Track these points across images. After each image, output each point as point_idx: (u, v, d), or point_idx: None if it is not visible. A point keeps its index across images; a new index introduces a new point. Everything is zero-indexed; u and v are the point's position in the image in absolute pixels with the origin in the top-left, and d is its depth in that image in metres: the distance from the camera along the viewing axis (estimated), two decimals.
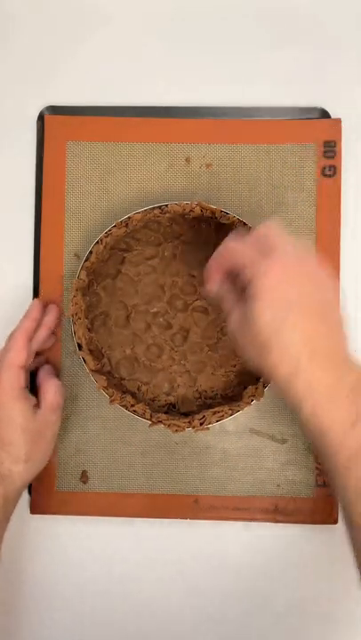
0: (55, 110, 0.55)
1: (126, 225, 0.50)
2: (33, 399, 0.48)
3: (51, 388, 0.49)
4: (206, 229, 0.52)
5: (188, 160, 0.54)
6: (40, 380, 0.50)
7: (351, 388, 0.37)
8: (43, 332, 0.50)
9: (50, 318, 0.51)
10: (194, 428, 0.49)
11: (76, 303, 0.49)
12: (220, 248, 0.42)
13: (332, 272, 0.41)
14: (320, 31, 0.55)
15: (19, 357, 0.47)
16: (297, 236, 0.53)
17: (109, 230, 0.50)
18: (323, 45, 0.55)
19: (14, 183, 0.55)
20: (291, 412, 0.40)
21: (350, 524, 0.38)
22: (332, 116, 0.54)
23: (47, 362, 0.53)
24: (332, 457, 0.38)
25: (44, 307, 0.51)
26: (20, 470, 0.46)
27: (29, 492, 0.53)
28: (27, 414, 0.47)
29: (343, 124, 0.54)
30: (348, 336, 0.40)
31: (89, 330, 0.52)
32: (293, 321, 0.37)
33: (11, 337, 0.49)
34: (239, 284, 0.41)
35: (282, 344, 0.37)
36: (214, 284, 0.44)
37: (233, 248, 0.41)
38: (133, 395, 0.52)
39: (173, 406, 0.52)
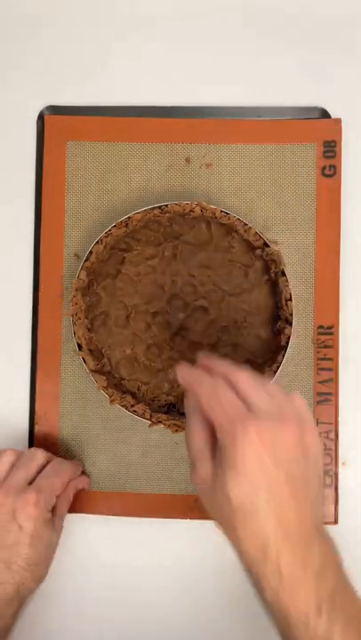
0: (55, 110, 0.55)
1: (126, 225, 0.50)
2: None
3: (66, 506, 0.50)
4: (206, 229, 0.52)
5: (188, 160, 0.54)
6: (66, 491, 0.50)
7: (317, 573, 0.35)
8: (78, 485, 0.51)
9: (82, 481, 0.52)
10: None
11: (76, 303, 0.49)
12: (195, 376, 0.39)
13: (318, 443, 0.38)
14: (320, 31, 0.55)
15: (59, 487, 0.48)
16: (297, 236, 0.53)
17: (109, 230, 0.50)
18: (323, 45, 0.55)
19: (14, 183, 0.55)
20: (253, 588, 0.38)
21: None
22: (333, 115, 0.54)
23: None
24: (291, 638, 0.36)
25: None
26: (34, 589, 0.47)
27: None
28: (52, 539, 0.48)
29: (343, 124, 0.54)
30: (322, 502, 0.38)
31: (89, 330, 0.52)
32: (267, 504, 0.35)
33: (58, 467, 0.49)
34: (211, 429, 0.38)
35: (252, 524, 0.35)
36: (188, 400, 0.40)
37: (209, 388, 0.37)
38: (133, 395, 0.52)
39: (173, 406, 0.52)
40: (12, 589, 0.44)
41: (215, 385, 0.38)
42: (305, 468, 0.36)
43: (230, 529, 0.36)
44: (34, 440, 0.53)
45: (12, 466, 0.48)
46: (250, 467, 0.35)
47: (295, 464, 0.36)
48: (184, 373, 0.39)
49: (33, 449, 0.50)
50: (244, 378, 0.38)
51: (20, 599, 0.46)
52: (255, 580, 0.37)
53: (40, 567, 0.46)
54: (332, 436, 0.52)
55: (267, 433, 0.35)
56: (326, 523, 0.52)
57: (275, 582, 0.35)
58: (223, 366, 0.39)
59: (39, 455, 0.49)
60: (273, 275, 0.51)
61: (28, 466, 0.48)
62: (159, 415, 0.49)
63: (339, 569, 0.36)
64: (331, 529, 0.52)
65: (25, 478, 0.47)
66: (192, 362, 0.52)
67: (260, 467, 0.35)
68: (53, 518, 0.48)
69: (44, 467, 0.49)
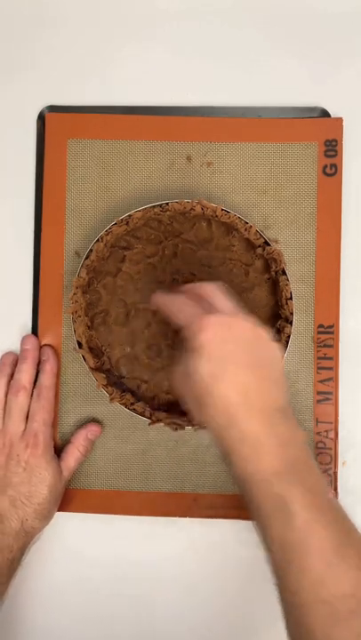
0: (55, 110, 0.55)
1: (127, 223, 0.50)
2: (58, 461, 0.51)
3: (74, 456, 0.52)
4: (207, 228, 0.52)
5: (189, 158, 0.54)
6: (74, 442, 0.52)
7: (280, 444, 0.38)
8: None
9: (50, 365, 0.53)
10: (193, 426, 0.49)
11: (76, 301, 0.49)
12: (167, 297, 0.44)
13: (272, 338, 0.42)
14: (320, 30, 0.55)
15: (52, 417, 0.51)
16: (297, 235, 0.53)
17: (110, 228, 0.50)
18: (323, 45, 0.55)
19: (15, 182, 0.55)
20: (222, 460, 0.41)
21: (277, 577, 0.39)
22: (332, 115, 0.54)
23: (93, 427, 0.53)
24: (255, 508, 0.38)
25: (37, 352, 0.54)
26: (40, 527, 0.50)
27: None
28: (57, 475, 0.50)
29: (344, 123, 0.54)
30: (285, 388, 0.41)
31: (89, 328, 0.52)
32: (229, 375, 0.39)
33: (41, 395, 0.51)
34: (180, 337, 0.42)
35: (217, 397, 0.38)
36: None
37: (178, 301, 0.43)
38: (133, 393, 0.52)
39: (173, 404, 0.52)
40: (16, 524, 0.48)
41: (181, 300, 0.43)
42: (263, 349, 0.41)
43: (200, 407, 0.39)
44: None
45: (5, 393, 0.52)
46: (211, 345, 0.39)
47: (253, 344, 0.40)
48: (157, 298, 0.45)
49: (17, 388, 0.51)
50: (207, 288, 0.43)
51: (26, 534, 0.49)
52: (224, 451, 0.39)
53: (42, 506, 0.49)
54: (331, 435, 0.52)
55: (224, 320, 0.40)
56: None
57: (239, 447, 0.38)
58: (190, 285, 0.45)
59: (21, 398, 0.51)
60: (273, 273, 0.51)
61: (14, 411, 0.51)
62: (159, 413, 0.49)
63: (302, 446, 0.39)
64: None
65: (23, 409, 0.51)
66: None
67: (220, 344, 0.39)
68: (60, 463, 0.51)
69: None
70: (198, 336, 0.39)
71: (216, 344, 0.39)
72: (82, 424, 0.53)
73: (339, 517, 0.38)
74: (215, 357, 0.39)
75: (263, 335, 0.41)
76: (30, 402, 0.51)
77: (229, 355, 0.39)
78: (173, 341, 0.52)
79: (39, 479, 0.49)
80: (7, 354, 0.53)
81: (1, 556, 0.47)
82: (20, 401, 0.50)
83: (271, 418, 0.39)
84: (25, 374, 0.51)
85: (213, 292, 0.43)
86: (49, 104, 0.55)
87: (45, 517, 0.50)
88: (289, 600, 0.37)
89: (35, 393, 0.51)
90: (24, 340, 0.53)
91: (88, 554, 0.53)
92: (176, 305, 0.43)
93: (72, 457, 0.52)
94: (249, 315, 0.42)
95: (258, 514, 0.38)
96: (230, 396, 0.38)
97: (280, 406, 0.39)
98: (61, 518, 0.53)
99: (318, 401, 0.52)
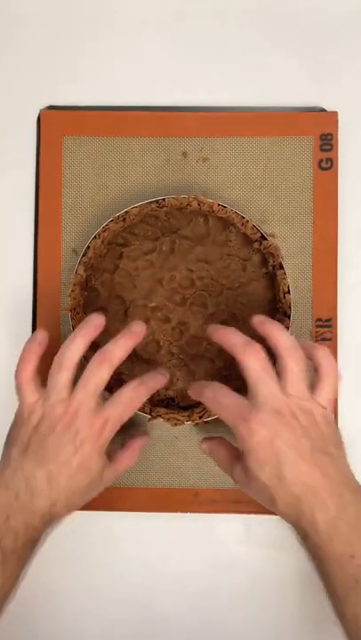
0: (55, 109, 0.55)
1: (124, 220, 0.50)
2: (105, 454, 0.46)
3: (127, 463, 0.48)
4: (204, 223, 0.52)
5: (184, 154, 0.54)
6: (130, 448, 0.48)
7: (352, 526, 0.40)
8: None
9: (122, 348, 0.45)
10: (193, 421, 0.49)
11: (74, 298, 0.49)
12: (205, 390, 0.44)
13: (330, 406, 0.43)
14: (318, 29, 0.55)
15: (127, 418, 0.45)
16: (294, 229, 0.53)
17: (107, 225, 0.50)
18: (320, 43, 0.55)
19: (14, 182, 0.55)
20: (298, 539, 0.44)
21: None
22: (328, 110, 0.54)
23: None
24: (330, 586, 0.41)
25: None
26: (63, 518, 0.46)
27: None
28: (100, 474, 0.45)
29: (340, 117, 0.54)
30: (346, 462, 0.43)
31: None
32: (290, 473, 0.40)
33: (136, 389, 0.45)
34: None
35: (284, 497, 0.40)
36: (207, 447, 0.48)
37: (215, 395, 0.43)
38: None
39: (173, 400, 0.52)
40: (45, 505, 0.42)
41: (214, 389, 0.43)
42: (316, 437, 0.41)
43: (272, 505, 0.42)
44: None
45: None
46: (262, 449, 0.40)
47: (305, 429, 0.41)
48: (196, 389, 0.45)
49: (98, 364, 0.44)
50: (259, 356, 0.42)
51: (51, 519, 0.44)
52: (298, 534, 0.42)
53: (75, 497, 0.43)
54: None
55: (268, 423, 0.40)
56: None
57: (312, 534, 0.40)
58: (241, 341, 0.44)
59: (104, 374, 0.44)
60: (271, 268, 0.51)
61: (91, 383, 0.44)
62: (158, 409, 0.50)
63: None
64: None
65: (91, 398, 0.44)
66: (191, 358, 0.52)
67: (270, 446, 0.40)
68: (108, 462, 0.45)
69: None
70: (247, 443, 0.41)
71: (267, 446, 0.40)
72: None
73: None
74: (271, 460, 0.40)
75: (317, 415, 0.42)
76: (112, 382, 0.46)
77: (284, 452, 0.40)
78: (172, 337, 0.52)
79: (86, 469, 0.43)
80: (98, 316, 0.45)
81: (24, 534, 0.42)
82: (101, 374, 0.43)
83: (341, 500, 0.40)
84: (120, 350, 0.44)
85: (257, 367, 0.42)
86: (49, 104, 0.55)
87: (72, 510, 0.45)
88: None
89: (131, 384, 0.45)
90: (135, 323, 0.46)
91: (88, 551, 0.53)
92: (217, 397, 0.43)
93: (124, 463, 0.47)
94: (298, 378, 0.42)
95: (332, 592, 0.41)
96: (295, 491, 0.40)
97: (347, 485, 0.41)
98: None
99: None
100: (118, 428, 0.44)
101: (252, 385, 0.42)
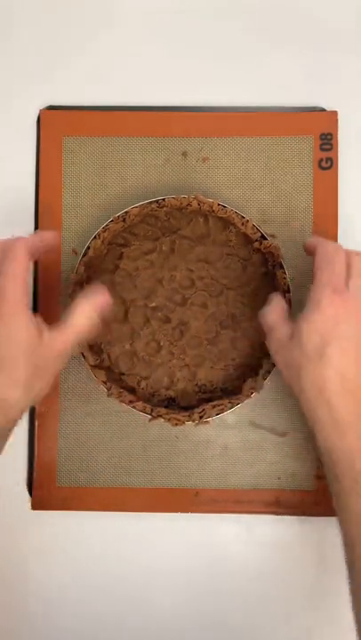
0: (55, 109, 0.55)
1: (124, 220, 0.50)
2: (37, 318, 0.42)
3: (81, 308, 0.43)
4: (204, 223, 0.52)
5: (184, 154, 0.54)
6: (85, 297, 0.44)
7: None
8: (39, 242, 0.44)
9: (49, 235, 0.45)
10: (194, 421, 0.49)
11: (74, 298, 0.49)
12: (320, 241, 0.44)
13: None
14: (318, 29, 0.55)
15: (22, 267, 0.41)
16: (294, 228, 0.53)
17: (107, 225, 0.50)
18: (320, 43, 0.55)
19: (14, 182, 0.55)
20: (309, 428, 0.43)
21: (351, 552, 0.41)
22: (328, 109, 0.54)
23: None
24: (336, 480, 0.41)
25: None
26: (18, 397, 0.40)
27: (30, 489, 0.53)
28: (31, 333, 0.40)
29: (340, 117, 0.54)
30: None
31: None
32: (334, 355, 0.40)
33: (10, 247, 0.41)
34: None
35: (316, 369, 0.40)
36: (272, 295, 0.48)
37: (326, 256, 0.43)
38: (133, 389, 0.52)
39: (173, 400, 0.52)
40: None
41: (337, 250, 0.43)
42: None
43: (297, 377, 0.41)
44: (34, 436, 0.53)
45: None
46: (327, 322, 0.40)
47: None
48: (311, 240, 0.45)
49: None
50: (356, 268, 0.42)
51: (5, 412, 0.40)
52: (310, 420, 0.42)
53: (17, 370, 0.40)
54: None
55: (351, 303, 0.40)
56: (328, 514, 0.52)
57: (325, 421, 0.40)
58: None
59: None
60: (271, 267, 0.51)
61: None
62: (159, 409, 0.49)
63: None
64: (332, 520, 0.53)
65: None
66: (192, 358, 0.52)
67: (336, 324, 0.40)
68: (45, 325, 0.42)
69: None
70: (318, 306, 0.41)
71: (331, 322, 0.40)
72: (82, 421, 0.53)
73: None
74: (326, 333, 0.40)
75: None
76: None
77: (341, 337, 0.40)
78: (173, 336, 0.52)
79: (10, 339, 0.39)
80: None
81: None
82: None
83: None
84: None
85: (343, 265, 0.42)
86: (49, 104, 0.55)
87: (26, 388, 0.40)
88: (359, 570, 0.39)
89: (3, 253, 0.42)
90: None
91: (89, 552, 0.53)
92: (329, 250, 0.43)
93: (75, 320, 0.42)
94: None
95: (338, 487, 0.41)
96: (326, 376, 0.40)
97: None
98: (62, 516, 0.53)
99: None
100: (23, 288, 0.41)
101: (355, 267, 0.42)
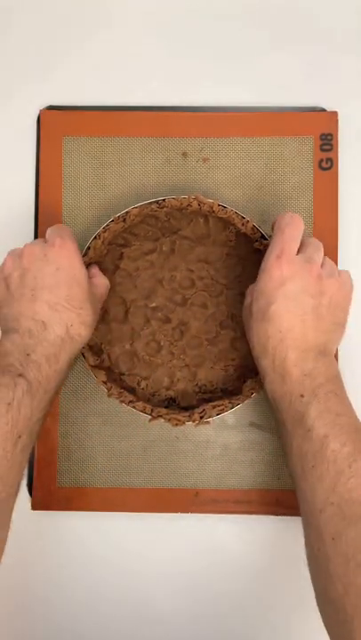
0: (55, 110, 0.55)
1: (124, 220, 0.50)
2: None
3: (101, 278, 0.50)
4: (204, 223, 0.52)
5: (184, 154, 0.54)
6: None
7: (307, 374, 0.43)
8: None
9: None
10: (194, 421, 0.49)
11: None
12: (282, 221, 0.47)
13: (342, 294, 0.46)
14: (318, 29, 0.55)
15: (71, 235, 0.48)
16: None
17: (107, 225, 0.50)
18: (319, 43, 0.55)
19: (14, 182, 0.55)
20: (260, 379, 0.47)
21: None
22: (328, 110, 0.54)
23: None
24: (281, 425, 0.44)
25: None
26: (85, 336, 0.47)
27: (30, 489, 0.53)
28: (90, 286, 0.47)
29: (340, 117, 0.54)
30: (334, 335, 0.45)
31: None
32: (281, 314, 0.43)
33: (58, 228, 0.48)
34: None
35: (260, 327, 0.44)
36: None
37: (284, 223, 0.46)
38: (133, 390, 0.52)
39: (173, 401, 0.52)
40: (61, 330, 0.45)
41: (290, 221, 0.45)
42: (318, 303, 0.44)
43: (250, 337, 0.46)
44: None
45: None
46: (271, 285, 0.43)
47: (309, 296, 0.43)
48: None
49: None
50: (314, 241, 0.46)
51: (72, 342, 0.46)
52: (260, 373, 0.46)
53: (84, 311, 0.46)
54: None
55: (296, 265, 0.44)
56: None
57: (270, 372, 0.44)
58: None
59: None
60: None
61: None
62: (159, 409, 0.49)
63: (331, 378, 0.43)
64: None
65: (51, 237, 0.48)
66: (192, 359, 0.52)
67: (280, 284, 0.43)
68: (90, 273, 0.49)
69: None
70: (266, 269, 0.44)
71: (277, 283, 0.43)
72: (82, 422, 0.53)
73: (356, 436, 0.41)
74: (270, 294, 0.43)
75: (330, 289, 0.44)
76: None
77: (284, 297, 0.43)
78: (173, 336, 0.52)
79: (76, 281, 0.46)
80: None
81: (47, 366, 0.44)
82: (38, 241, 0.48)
83: (303, 354, 0.43)
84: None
85: (314, 242, 0.46)
86: (49, 104, 0.55)
87: (89, 325, 0.47)
88: (305, 508, 0.41)
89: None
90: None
91: (89, 552, 0.53)
92: (286, 220, 0.45)
93: (98, 280, 0.50)
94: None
95: (283, 430, 0.44)
96: (269, 332, 0.43)
97: (316, 348, 0.44)
98: (62, 516, 0.53)
99: None
100: (74, 240, 0.47)
101: (297, 241, 0.45)
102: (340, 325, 0.46)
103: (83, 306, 0.46)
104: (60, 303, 0.45)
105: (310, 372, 0.43)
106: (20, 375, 0.42)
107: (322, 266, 0.45)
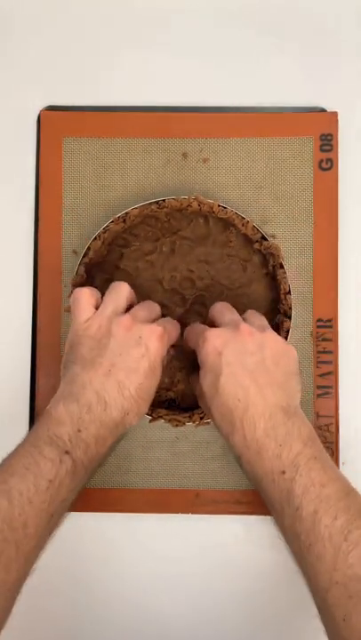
0: (55, 110, 0.55)
1: (124, 221, 0.50)
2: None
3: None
4: (204, 224, 0.52)
5: (185, 155, 0.54)
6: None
7: (282, 442, 0.41)
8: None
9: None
10: (194, 422, 0.49)
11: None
12: (186, 332, 0.48)
13: (279, 342, 0.44)
14: (317, 29, 0.55)
15: (163, 347, 0.44)
16: (295, 229, 0.53)
17: (107, 226, 0.50)
18: (319, 44, 0.55)
19: (14, 183, 0.55)
20: (236, 462, 0.45)
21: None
22: (328, 110, 0.54)
23: None
24: (268, 504, 0.42)
25: None
26: (134, 424, 0.44)
27: None
28: (157, 382, 0.45)
29: (340, 117, 0.54)
30: (291, 389, 0.43)
31: None
32: (228, 384, 0.41)
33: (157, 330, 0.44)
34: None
35: (217, 406, 0.42)
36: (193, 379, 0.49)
37: (188, 329, 0.47)
38: None
39: (174, 401, 0.52)
40: (118, 415, 0.42)
41: (191, 326, 0.47)
42: (261, 358, 0.42)
43: (210, 414, 0.43)
44: None
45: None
46: (210, 360, 0.42)
47: (253, 352, 0.42)
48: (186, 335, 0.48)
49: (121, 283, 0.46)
50: (213, 307, 0.46)
51: (122, 429, 0.43)
52: (234, 454, 0.43)
53: (145, 402, 0.44)
54: (332, 429, 0.52)
55: (221, 332, 0.43)
56: None
57: (245, 451, 0.41)
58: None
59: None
60: (271, 268, 0.51)
61: (144, 307, 0.47)
62: (159, 410, 0.50)
63: (306, 440, 0.41)
64: None
65: (148, 316, 0.46)
66: (192, 359, 0.52)
67: (218, 358, 0.42)
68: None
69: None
70: (200, 354, 0.43)
71: (214, 356, 0.42)
72: None
73: (345, 504, 0.39)
74: (213, 369, 0.42)
75: (266, 340, 0.43)
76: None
77: (227, 365, 0.41)
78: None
79: (154, 373, 0.43)
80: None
81: (95, 448, 0.42)
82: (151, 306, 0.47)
83: (271, 419, 0.41)
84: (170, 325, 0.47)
85: (218, 310, 0.46)
86: (49, 104, 0.55)
87: (141, 417, 0.44)
88: (310, 586, 0.40)
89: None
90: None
91: (89, 552, 0.53)
92: (187, 332, 0.47)
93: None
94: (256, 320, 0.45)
95: (271, 509, 0.42)
96: (229, 404, 0.41)
97: (281, 407, 0.41)
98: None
99: (318, 395, 0.53)
100: (171, 339, 0.46)
101: (217, 318, 0.45)
102: (292, 374, 0.43)
103: (146, 397, 0.43)
104: (130, 390, 0.42)
105: (285, 440, 0.40)
106: (67, 452, 0.41)
107: (249, 323, 0.44)
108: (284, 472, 0.40)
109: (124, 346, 0.42)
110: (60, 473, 0.40)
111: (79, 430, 0.41)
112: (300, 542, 0.39)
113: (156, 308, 0.47)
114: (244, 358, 0.42)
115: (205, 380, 0.42)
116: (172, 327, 0.47)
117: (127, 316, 0.43)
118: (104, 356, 0.42)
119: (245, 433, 0.41)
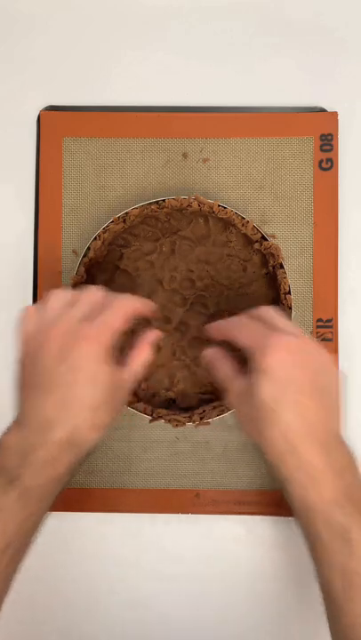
0: (55, 110, 0.55)
1: (124, 221, 0.50)
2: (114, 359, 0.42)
3: (143, 353, 0.44)
4: (204, 224, 0.52)
5: (185, 155, 0.54)
6: (141, 340, 0.45)
7: (337, 471, 0.39)
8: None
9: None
10: (194, 422, 0.49)
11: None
12: (224, 321, 0.44)
13: (332, 356, 0.43)
14: (317, 29, 0.55)
15: (118, 321, 0.41)
16: (295, 229, 0.54)
17: (107, 226, 0.50)
18: (319, 44, 0.55)
19: (14, 183, 0.55)
20: (279, 485, 0.41)
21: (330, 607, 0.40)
22: (328, 110, 0.54)
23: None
24: (313, 535, 0.39)
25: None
26: (96, 438, 0.41)
27: None
28: (111, 379, 0.40)
29: (340, 117, 0.54)
30: (340, 415, 0.42)
31: None
32: (293, 401, 0.39)
33: (115, 302, 0.42)
34: (237, 358, 0.43)
35: (278, 422, 0.39)
36: (210, 356, 0.45)
37: (238, 322, 0.43)
38: (134, 391, 0.52)
39: (174, 401, 0.52)
40: (65, 433, 0.39)
41: (242, 320, 0.42)
42: (328, 378, 0.41)
43: (259, 431, 0.40)
44: None
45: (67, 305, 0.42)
46: (278, 370, 0.39)
47: (319, 373, 0.40)
48: (214, 326, 0.45)
49: (92, 287, 0.43)
50: (267, 310, 0.43)
51: (76, 447, 0.40)
52: (281, 477, 0.40)
53: (98, 413, 0.40)
54: None
55: (294, 343, 0.39)
56: None
57: (297, 475, 0.39)
58: (244, 312, 0.44)
59: (97, 293, 0.43)
60: (271, 268, 0.51)
61: (83, 303, 0.42)
62: (159, 410, 0.50)
63: (356, 471, 0.40)
64: None
65: (78, 316, 0.41)
66: (192, 359, 0.52)
67: (288, 370, 0.39)
68: (118, 366, 0.42)
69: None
70: (267, 357, 0.39)
71: (284, 368, 0.39)
72: None
73: None
74: (281, 381, 0.39)
75: (327, 361, 0.41)
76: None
77: (295, 380, 0.39)
78: (173, 337, 0.52)
79: (93, 382, 0.39)
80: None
81: (44, 472, 0.39)
82: (92, 298, 0.42)
83: (328, 446, 0.39)
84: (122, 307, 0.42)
85: (272, 313, 0.42)
86: (49, 104, 0.55)
87: (101, 429, 0.41)
88: (348, 623, 0.38)
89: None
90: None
91: (89, 552, 0.53)
92: (237, 325, 0.42)
93: (137, 361, 0.43)
94: (309, 336, 0.43)
95: (317, 542, 0.39)
96: (291, 423, 0.39)
97: (336, 433, 0.40)
98: (62, 517, 0.53)
99: None
100: (114, 335, 0.41)
101: (268, 320, 0.42)
102: (339, 401, 0.42)
103: (95, 407, 0.40)
104: (69, 403, 0.39)
105: (341, 471, 0.39)
106: (12, 481, 0.39)
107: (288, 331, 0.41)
108: (343, 506, 0.38)
109: (54, 360, 0.39)
110: (6, 503, 0.38)
111: (26, 455, 0.39)
112: (352, 581, 0.38)
113: (92, 294, 0.43)
114: (315, 375, 0.40)
115: (266, 391, 0.39)
116: (105, 315, 0.41)
117: (56, 323, 0.41)
118: (37, 373, 0.40)
119: (302, 455, 0.39)
